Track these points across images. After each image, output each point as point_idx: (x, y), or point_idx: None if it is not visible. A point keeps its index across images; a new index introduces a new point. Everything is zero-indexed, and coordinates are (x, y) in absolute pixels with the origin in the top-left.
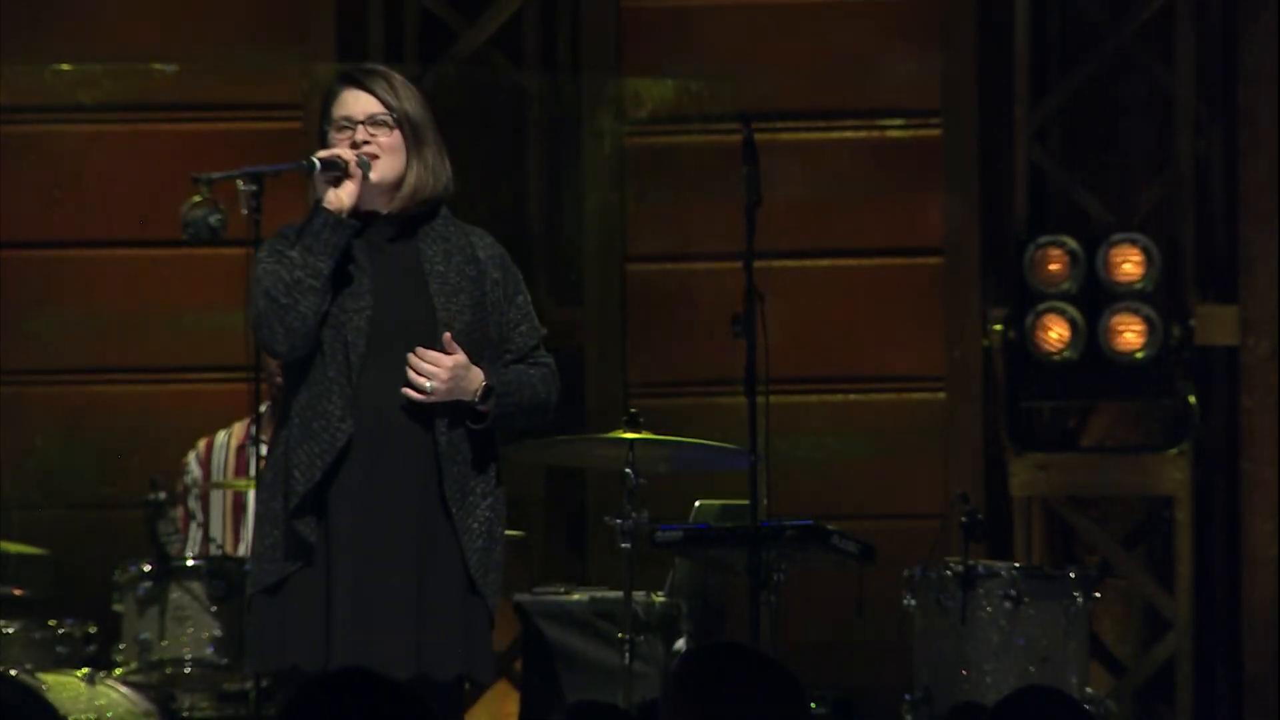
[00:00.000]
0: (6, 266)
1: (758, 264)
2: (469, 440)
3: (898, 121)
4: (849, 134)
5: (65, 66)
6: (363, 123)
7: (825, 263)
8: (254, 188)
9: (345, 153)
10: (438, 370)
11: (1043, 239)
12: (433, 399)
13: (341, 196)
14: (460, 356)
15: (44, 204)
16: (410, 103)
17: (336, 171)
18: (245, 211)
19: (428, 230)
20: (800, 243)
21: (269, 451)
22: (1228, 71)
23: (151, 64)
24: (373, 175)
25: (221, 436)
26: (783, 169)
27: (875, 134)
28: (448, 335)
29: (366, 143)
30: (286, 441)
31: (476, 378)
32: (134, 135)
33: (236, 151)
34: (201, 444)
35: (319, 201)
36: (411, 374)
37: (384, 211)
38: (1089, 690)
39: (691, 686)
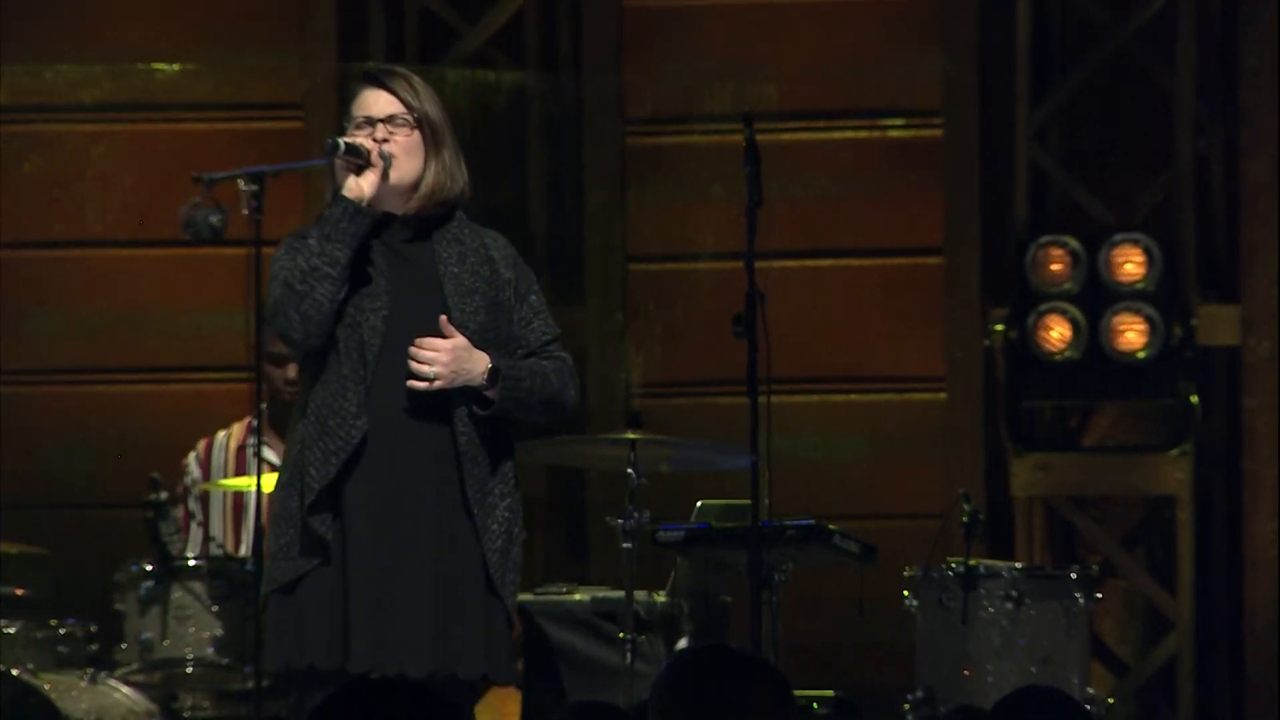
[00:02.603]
0: (7, 266)
1: (759, 264)
2: (487, 441)
3: (899, 121)
4: (850, 134)
5: (66, 66)
6: (383, 121)
7: (826, 263)
8: (255, 187)
9: (369, 142)
10: (437, 355)
11: (1044, 239)
12: (438, 385)
13: (362, 185)
14: (459, 339)
15: (45, 204)
16: (430, 104)
17: (359, 159)
18: (246, 211)
19: (443, 233)
20: (801, 243)
21: (286, 450)
22: (1228, 71)
23: (152, 64)
24: (391, 175)
25: (221, 437)
26: (784, 169)
27: (876, 134)
28: (444, 319)
29: (386, 141)
30: (302, 439)
31: (481, 360)
32: (135, 135)
33: (238, 151)
34: (201, 444)
35: (338, 190)
36: (413, 364)
37: (400, 213)
38: (1090, 690)
39: (678, 689)
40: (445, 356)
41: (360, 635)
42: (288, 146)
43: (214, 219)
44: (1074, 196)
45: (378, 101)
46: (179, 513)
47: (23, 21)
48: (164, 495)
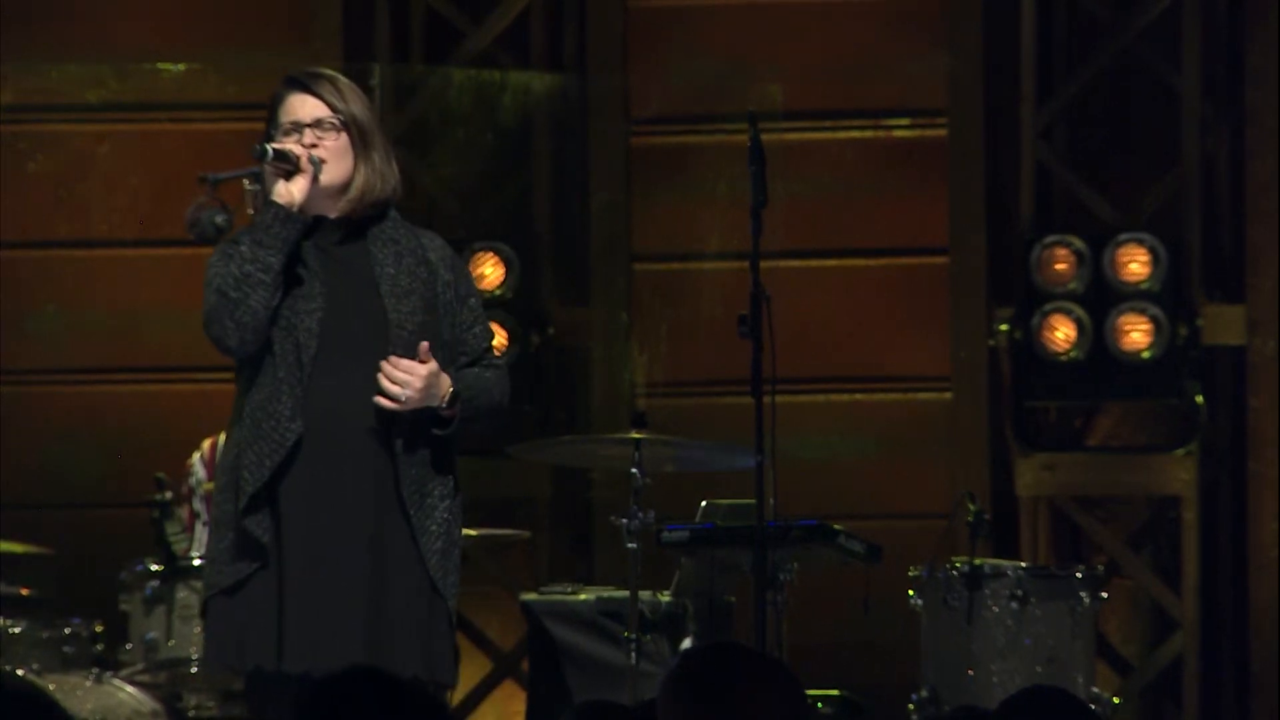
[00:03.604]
0: (12, 266)
1: (764, 264)
2: (427, 442)
3: (903, 121)
4: (855, 134)
5: (71, 66)
6: (310, 126)
7: (831, 263)
8: (260, 187)
9: (298, 148)
10: (412, 379)
11: (1049, 239)
12: (405, 408)
13: (292, 191)
14: (434, 365)
15: (50, 203)
16: (357, 106)
17: (288, 165)
18: (251, 211)
19: (377, 233)
20: (806, 243)
21: (222, 455)
22: (1234, 71)
23: (158, 63)
24: (321, 178)
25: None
26: (789, 169)
27: (881, 134)
28: (425, 345)
29: (314, 146)
30: (238, 443)
31: (445, 384)
32: (140, 135)
33: (243, 151)
34: (206, 445)
35: (269, 195)
36: (385, 383)
37: (331, 215)
38: (1095, 690)
39: (689, 686)
40: (420, 383)
41: (294, 636)
42: None
43: (219, 219)
44: (1079, 196)
45: (304, 106)
46: (184, 513)
47: (28, 21)
48: (169, 495)
